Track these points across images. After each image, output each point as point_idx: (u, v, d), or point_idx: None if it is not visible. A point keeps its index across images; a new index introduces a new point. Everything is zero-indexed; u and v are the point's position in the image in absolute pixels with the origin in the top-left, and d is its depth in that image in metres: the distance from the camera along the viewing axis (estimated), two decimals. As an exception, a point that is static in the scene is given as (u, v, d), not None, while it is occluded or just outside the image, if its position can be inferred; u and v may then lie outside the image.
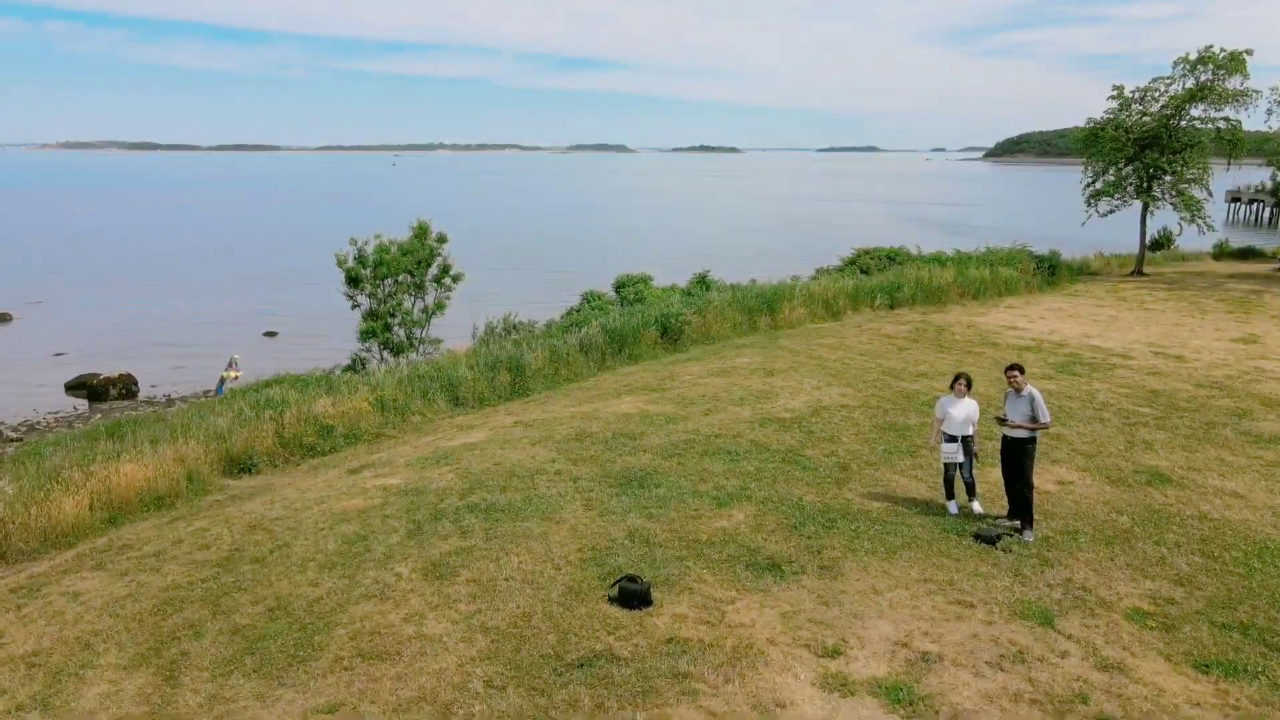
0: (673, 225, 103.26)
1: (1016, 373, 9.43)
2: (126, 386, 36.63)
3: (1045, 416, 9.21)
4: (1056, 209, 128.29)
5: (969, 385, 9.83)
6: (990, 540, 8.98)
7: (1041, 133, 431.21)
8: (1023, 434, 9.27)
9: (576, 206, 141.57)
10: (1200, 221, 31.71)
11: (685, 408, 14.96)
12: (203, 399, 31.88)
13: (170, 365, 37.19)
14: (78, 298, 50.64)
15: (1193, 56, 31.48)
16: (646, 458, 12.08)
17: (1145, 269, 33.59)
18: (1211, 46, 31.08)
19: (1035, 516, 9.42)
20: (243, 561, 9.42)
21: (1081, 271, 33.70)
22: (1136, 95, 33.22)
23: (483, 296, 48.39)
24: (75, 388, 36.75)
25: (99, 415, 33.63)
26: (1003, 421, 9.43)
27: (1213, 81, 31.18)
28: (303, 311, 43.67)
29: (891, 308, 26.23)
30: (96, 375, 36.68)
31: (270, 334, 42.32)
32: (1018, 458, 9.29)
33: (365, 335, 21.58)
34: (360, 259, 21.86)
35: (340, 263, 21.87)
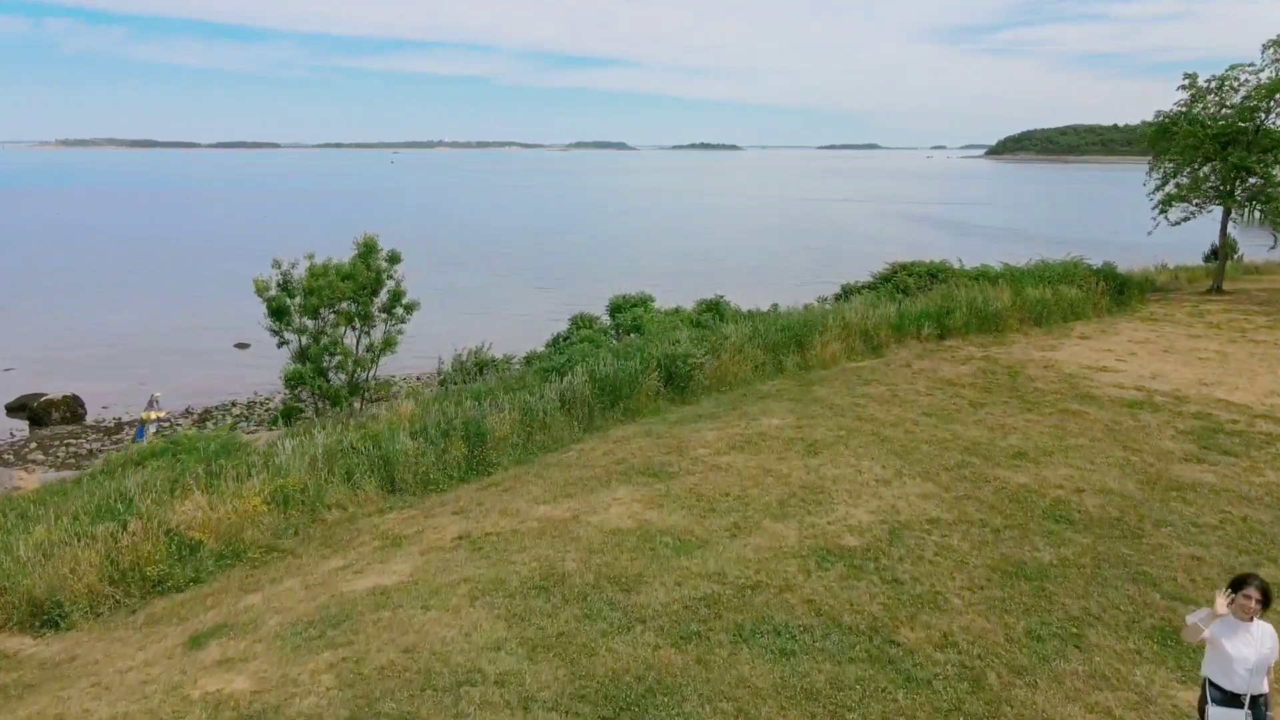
0: (673, 226, 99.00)
1: None
2: (71, 409, 32.95)
3: None
4: (1070, 207, 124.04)
5: (1265, 599, 5.30)
6: None
7: (1044, 130, 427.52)
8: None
9: (574, 206, 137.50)
10: (1293, 232, 27.20)
11: (701, 517, 10.43)
12: (119, 443, 27.60)
13: (129, 381, 33.72)
14: (45, 305, 47.59)
15: (1285, 38, 26.92)
16: (647, 642, 7.54)
17: (1223, 285, 29.07)
18: (1310, 26, 26.49)
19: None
20: None
21: (1147, 287, 29.10)
22: (1212, 85, 28.62)
23: (461, 311, 44.08)
24: (16, 410, 33.11)
25: (35, 445, 29.72)
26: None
27: (1309, 68, 26.62)
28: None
29: (941, 338, 21.70)
30: (39, 396, 32.99)
31: (242, 345, 38.65)
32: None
33: (291, 381, 17.02)
34: (285, 286, 17.29)
35: (260, 290, 17.30)
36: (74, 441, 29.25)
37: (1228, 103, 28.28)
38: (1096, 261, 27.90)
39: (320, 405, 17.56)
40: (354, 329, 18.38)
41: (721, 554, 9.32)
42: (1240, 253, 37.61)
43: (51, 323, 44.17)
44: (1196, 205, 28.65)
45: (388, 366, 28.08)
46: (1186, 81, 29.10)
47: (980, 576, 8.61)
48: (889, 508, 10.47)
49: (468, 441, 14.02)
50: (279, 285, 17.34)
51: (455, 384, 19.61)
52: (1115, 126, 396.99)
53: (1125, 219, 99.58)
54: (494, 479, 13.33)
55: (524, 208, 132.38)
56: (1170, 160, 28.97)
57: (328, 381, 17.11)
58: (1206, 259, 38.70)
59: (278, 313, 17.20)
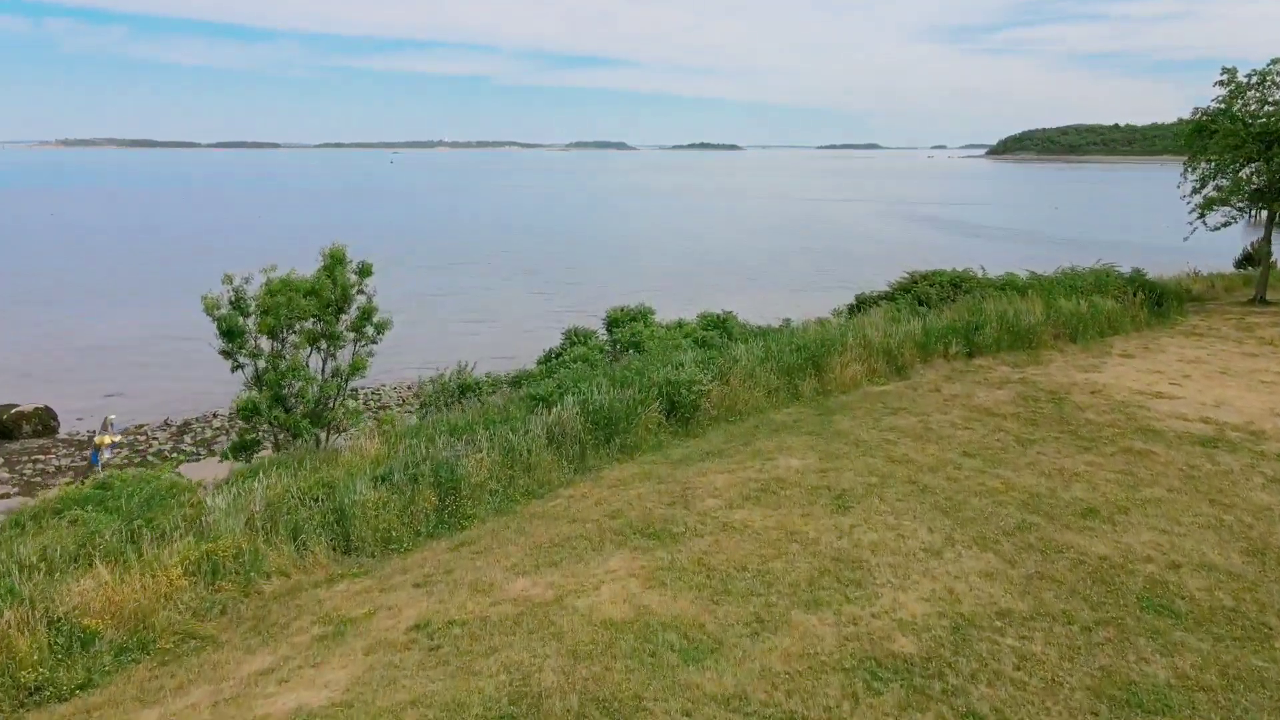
0: (673, 226, 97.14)
1: None
2: (44, 422, 31.30)
3: None
4: (1073, 207, 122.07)
5: None
6: None
7: (1044, 130, 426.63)
8: None
9: (574, 206, 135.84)
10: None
11: (714, 602, 8.44)
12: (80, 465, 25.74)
13: (107, 390, 32.52)
14: (30, 308, 46.05)
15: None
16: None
17: (1266, 294, 27.09)
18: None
19: None
20: None
21: (1184, 297, 27.07)
22: (1253, 80, 26.62)
23: (458, 315, 42.08)
24: (-14, 423, 31.21)
25: (2, 461, 28.06)
26: None
27: (1362, 60, 24.62)
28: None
29: (970, 356, 19.73)
30: (9, 409, 31.31)
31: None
32: None
33: (245, 411, 15.01)
34: (238, 303, 15.29)
35: (210, 309, 15.30)
36: (42, 457, 27.55)
37: (1270, 99, 26.30)
38: (1111, 263, 26.01)
39: (279, 438, 15.57)
40: (319, 350, 16.38)
41: (741, 663, 7.31)
42: (1275, 258, 35.54)
43: (34, 327, 42.55)
44: (1239, 209, 26.67)
45: (380, 374, 26.09)
46: (1225, 77, 27.10)
47: (1083, 706, 6.59)
48: (946, 592, 8.46)
49: (439, 489, 12.02)
50: (231, 303, 15.35)
51: (435, 408, 17.67)
52: (1116, 126, 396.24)
53: (1129, 219, 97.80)
54: (468, 535, 11.35)
55: (523, 208, 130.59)
56: (1209, 160, 26.98)
57: (287, 411, 15.11)
58: (1239, 265, 36.61)
59: (230, 334, 15.21)
